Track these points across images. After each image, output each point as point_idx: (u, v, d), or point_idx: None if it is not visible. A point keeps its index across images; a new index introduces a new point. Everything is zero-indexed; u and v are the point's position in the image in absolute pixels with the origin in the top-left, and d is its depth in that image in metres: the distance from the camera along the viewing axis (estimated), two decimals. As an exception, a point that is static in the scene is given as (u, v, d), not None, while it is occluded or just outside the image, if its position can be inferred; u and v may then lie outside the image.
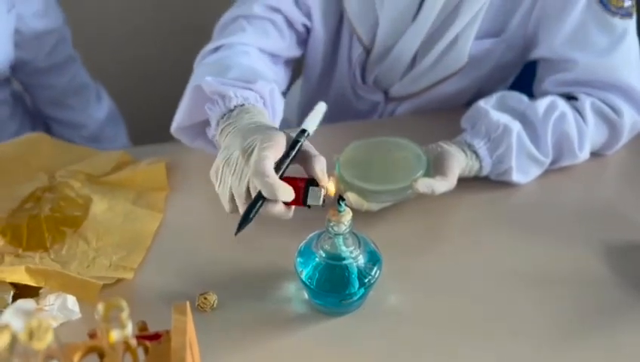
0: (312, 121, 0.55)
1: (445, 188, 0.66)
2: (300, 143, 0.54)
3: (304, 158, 0.54)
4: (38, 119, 1.11)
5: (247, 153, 0.53)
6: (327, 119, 0.60)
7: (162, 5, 1.42)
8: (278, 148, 0.53)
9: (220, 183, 0.56)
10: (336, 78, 0.90)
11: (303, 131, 0.55)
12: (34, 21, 0.95)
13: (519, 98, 0.74)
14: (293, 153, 0.53)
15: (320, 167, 0.53)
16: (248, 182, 0.52)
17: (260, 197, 0.51)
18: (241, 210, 0.54)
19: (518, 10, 0.76)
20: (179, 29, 1.44)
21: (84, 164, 0.75)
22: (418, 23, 0.76)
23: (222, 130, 0.62)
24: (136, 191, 0.72)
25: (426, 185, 0.64)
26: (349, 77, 0.88)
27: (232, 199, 0.55)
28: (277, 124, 0.68)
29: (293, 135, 0.55)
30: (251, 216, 0.52)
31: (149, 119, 1.35)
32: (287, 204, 0.53)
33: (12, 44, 0.93)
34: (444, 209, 0.71)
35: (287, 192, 0.51)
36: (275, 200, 0.51)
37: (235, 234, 0.53)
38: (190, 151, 0.74)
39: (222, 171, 0.55)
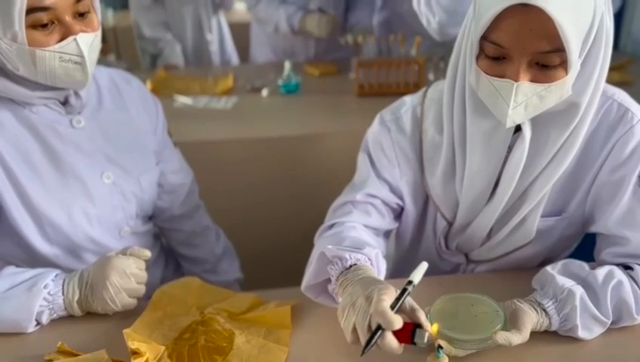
0: (417, 275, 0.76)
1: (520, 341, 0.80)
2: (408, 291, 0.74)
3: (409, 309, 0.73)
4: (170, 256, 1.36)
5: (368, 298, 0.73)
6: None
7: (270, 166, 1.72)
8: (391, 294, 0.73)
9: (345, 319, 0.75)
10: (423, 243, 1.09)
11: (410, 282, 0.75)
12: (171, 176, 1.23)
13: (581, 266, 0.89)
14: (403, 297, 0.74)
15: (423, 316, 0.72)
16: (369, 319, 0.72)
17: (379, 328, 0.70)
18: (362, 339, 0.72)
19: (576, 195, 0.94)
20: (286, 187, 1.73)
21: (226, 303, 0.96)
22: (492, 205, 0.95)
23: (340, 283, 0.82)
24: (266, 327, 0.91)
25: (503, 337, 0.79)
26: (435, 243, 1.07)
27: (353, 332, 0.74)
28: (382, 279, 0.87)
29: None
30: (373, 342, 0.70)
31: (255, 255, 1.58)
32: (399, 341, 0.71)
33: (157, 190, 1.20)
34: (519, 358, 0.83)
35: (398, 322, 0.70)
36: (390, 336, 0.70)
37: (361, 355, 0.71)
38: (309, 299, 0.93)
39: (347, 311, 0.75)
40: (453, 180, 0.97)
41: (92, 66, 0.94)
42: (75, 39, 0.89)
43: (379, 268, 0.88)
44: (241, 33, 2.88)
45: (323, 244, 0.91)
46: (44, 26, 0.87)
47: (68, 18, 0.88)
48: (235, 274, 1.40)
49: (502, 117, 0.82)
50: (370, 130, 1.06)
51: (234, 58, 2.86)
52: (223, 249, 1.39)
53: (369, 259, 0.86)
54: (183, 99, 1.95)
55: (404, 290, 0.74)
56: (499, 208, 0.94)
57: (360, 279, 0.80)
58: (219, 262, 1.37)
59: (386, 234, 1.06)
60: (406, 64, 1.90)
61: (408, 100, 1.03)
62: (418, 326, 0.72)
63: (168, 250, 1.36)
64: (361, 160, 1.06)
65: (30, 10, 0.84)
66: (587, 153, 0.91)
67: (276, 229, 1.75)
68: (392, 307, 0.72)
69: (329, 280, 0.86)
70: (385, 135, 1.02)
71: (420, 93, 1.03)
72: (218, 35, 2.74)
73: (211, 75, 2.19)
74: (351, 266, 0.83)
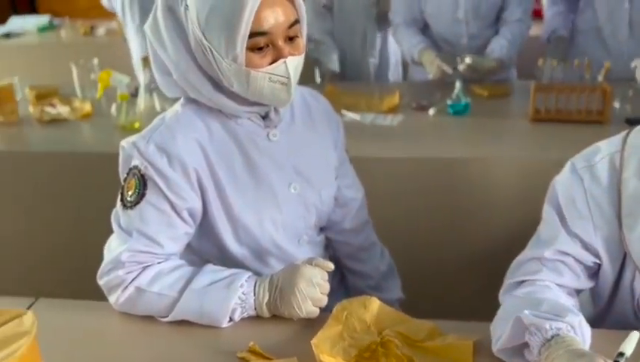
0: (629, 346, 0.70)
1: None
2: None
3: None
4: (336, 267, 1.39)
5: None
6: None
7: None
8: None
9: None
10: (617, 302, 0.99)
11: (621, 354, 0.69)
12: (346, 191, 1.27)
13: None
14: None
15: None
16: None
17: None
18: None
19: None
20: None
21: (403, 327, 0.96)
22: None
23: (545, 357, 0.77)
24: (444, 360, 0.89)
25: None
26: (632, 304, 0.97)
27: None
28: (587, 347, 0.81)
29: None
30: None
31: (412, 276, 1.57)
32: None
33: (333, 203, 1.23)
34: None
35: None
36: None
37: None
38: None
39: None
40: None
41: (295, 87, 1.00)
42: (284, 62, 0.96)
43: (583, 336, 0.82)
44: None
45: (516, 305, 0.86)
46: (260, 49, 0.95)
47: (280, 42, 0.96)
48: (398, 294, 1.40)
49: None
50: (559, 178, 0.97)
51: (396, 73, 2.87)
52: (387, 267, 1.40)
53: (572, 327, 0.80)
54: (351, 115, 2.01)
55: None
56: None
57: (565, 351, 0.75)
58: (383, 280, 1.38)
59: (577, 291, 0.98)
60: (590, 90, 1.77)
61: (604, 147, 0.94)
62: None
63: (335, 261, 1.40)
64: (548, 212, 0.97)
65: (251, 35, 0.93)
66: None
67: (435, 252, 1.73)
68: None
69: (525, 344, 0.82)
70: (577, 185, 0.93)
71: (617, 138, 0.94)
72: (380, 47, 2.77)
73: (377, 91, 2.23)
74: (552, 337, 0.78)
